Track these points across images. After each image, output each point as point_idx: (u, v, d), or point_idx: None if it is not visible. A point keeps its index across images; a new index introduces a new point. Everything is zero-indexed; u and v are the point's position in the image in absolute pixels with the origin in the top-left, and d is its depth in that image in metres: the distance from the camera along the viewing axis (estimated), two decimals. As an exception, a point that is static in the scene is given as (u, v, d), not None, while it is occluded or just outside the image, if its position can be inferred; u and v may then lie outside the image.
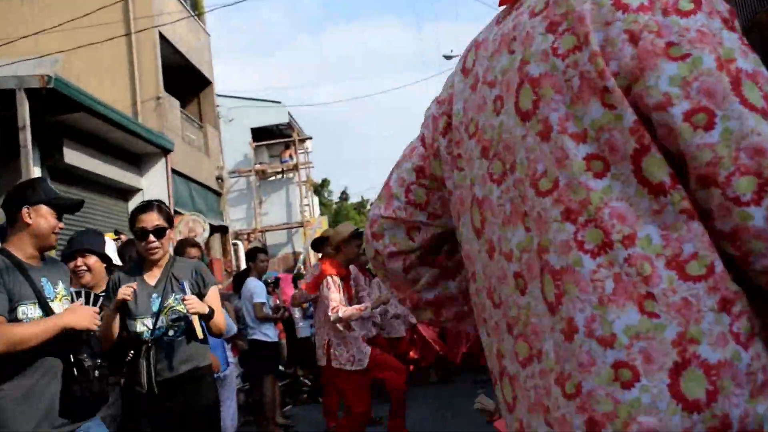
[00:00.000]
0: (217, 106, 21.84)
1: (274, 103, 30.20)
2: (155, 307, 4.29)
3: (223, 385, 7.25)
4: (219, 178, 20.13)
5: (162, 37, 16.70)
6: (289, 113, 30.13)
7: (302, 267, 22.44)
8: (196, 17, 19.69)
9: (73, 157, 12.62)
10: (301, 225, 28.53)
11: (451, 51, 23.93)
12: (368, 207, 45.27)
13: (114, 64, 15.93)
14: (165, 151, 15.54)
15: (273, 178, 29.80)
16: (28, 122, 10.78)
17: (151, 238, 4.40)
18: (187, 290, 4.28)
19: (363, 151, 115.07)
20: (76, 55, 14.45)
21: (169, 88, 17.30)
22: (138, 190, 15.19)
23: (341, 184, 66.98)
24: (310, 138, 32.34)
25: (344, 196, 44.47)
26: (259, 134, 29.21)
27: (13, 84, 10.78)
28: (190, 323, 4.22)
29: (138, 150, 14.93)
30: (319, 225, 28.74)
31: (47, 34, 13.86)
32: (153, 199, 4.70)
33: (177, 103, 17.85)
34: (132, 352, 4.30)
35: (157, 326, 4.26)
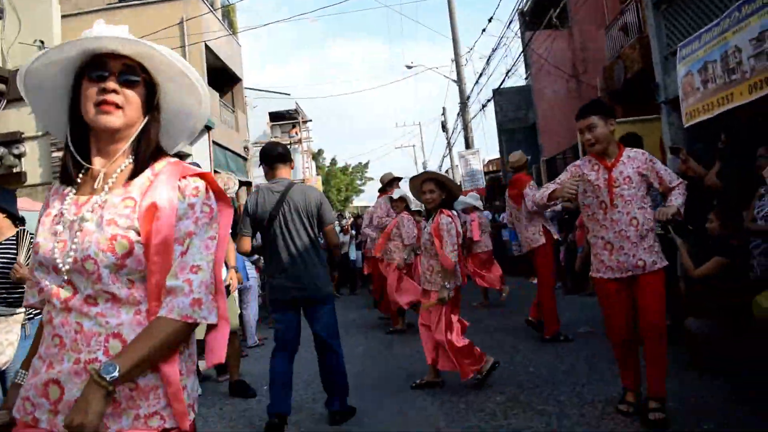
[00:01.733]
0: (245, 96, 21.80)
1: (285, 95, 30.10)
2: None
3: (247, 293, 7.61)
4: (245, 148, 20.21)
5: (207, 47, 16.68)
6: (296, 102, 30.04)
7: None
8: (231, 33, 19.59)
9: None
10: (302, 181, 28.69)
11: (411, 62, 23.96)
12: (350, 170, 45.30)
13: (173, 66, 15.82)
14: (208, 129, 15.59)
15: (283, 148, 29.87)
16: None
17: None
18: None
19: (346, 131, 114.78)
20: (147, 59, 14.40)
21: (211, 83, 17.20)
22: (188, 155, 15.26)
23: (332, 153, 66.95)
24: (311, 120, 32.29)
25: (333, 162, 44.27)
26: (274, 117, 29.19)
27: None
28: None
29: (189, 127, 14.90)
30: (315, 182, 28.98)
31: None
32: None
33: (217, 95, 17.79)
34: None
35: None
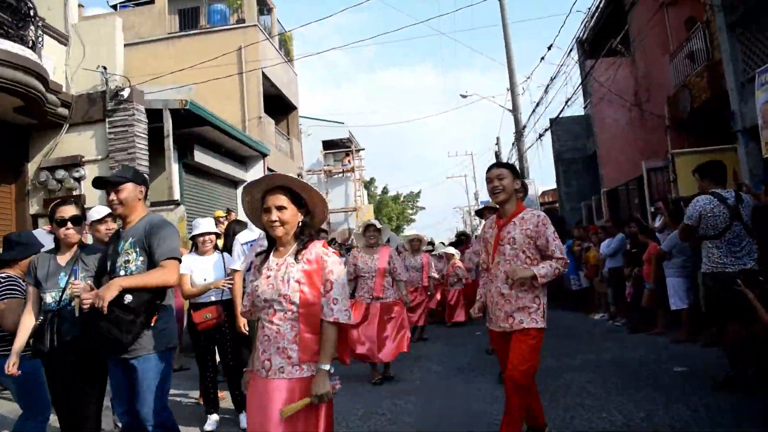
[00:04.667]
0: (300, 124, 21.95)
1: (339, 123, 30.27)
2: (62, 283, 3.71)
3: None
4: (299, 175, 20.05)
5: (264, 75, 16.86)
6: (349, 131, 30.20)
7: (354, 239, 22.53)
8: (287, 62, 19.78)
9: (200, 157, 12.76)
10: (354, 210, 28.70)
11: (466, 92, 23.73)
12: (401, 199, 45.16)
13: (230, 93, 16.06)
14: (263, 155, 15.65)
15: (336, 176, 29.94)
16: (170, 132, 10.97)
17: (69, 225, 3.80)
18: (78, 276, 3.67)
19: (399, 159, 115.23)
20: (205, 86, 14.62)
21: (267, 110, 17.39)
22: (244, 181, 15.31)
23: (384, 181, 66.89)
24: (363, 149, 32.38)
25: (385, 190, 44.14)
26: (328, 145, 29.36)
27: (160, 105, 10.99)
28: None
29: (245, 153, 15.05)
30: (367, 210, 28.92)
31: (185, 72, 14.03)
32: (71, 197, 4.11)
33: (272, 121, 17.91)
34: (41, 318, 3.70)
35: (62, 298, 3.67)
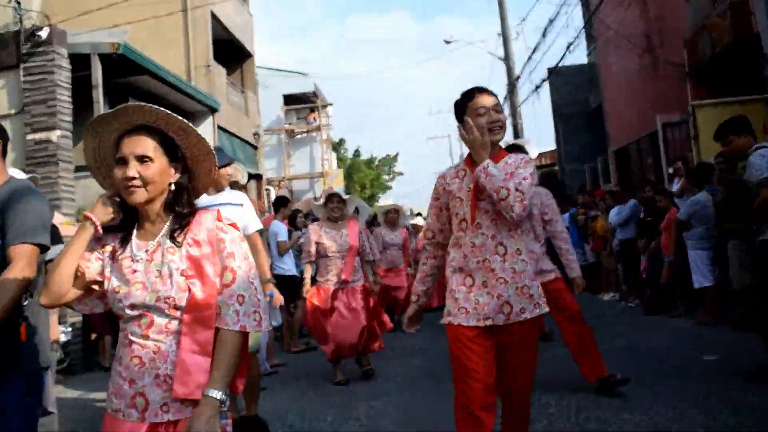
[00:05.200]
0: (256, 75, 21.46)
1: (302, 74, 29.71)
2: None
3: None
4: (256, 135, 19.83)
5: (213, 15, 16.45)
6: (314, 84, 29.65)
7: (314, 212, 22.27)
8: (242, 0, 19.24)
9: (137, 112, 12.32)
10: (321, 175, 28.33)
11: (451, 36, 23.32)
12: (376, 163, 44.81)
13: (173, 36, 15.62)
14: (212, 110, 15.31)
15: (300, 136, 29.47)
16: (100, 82, 10.72)
17: None
18: None
19: (373, 117, 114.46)
20: (142, 26, 14.11)
21: (217, 58, 17.03)
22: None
23: (355, 143, 66.05)
24: (331, 104, 31.87)
25: (357, 153, 43.65)
26: (290, 100, 28.83)
27: (88, 49, 10.68)
28: None
29: (190, 108, 14.66)
30: (336, 176, 28.60)
31: (118, 8, 13.47)
32: None
33: (223, 71, 17.53)
34: None
35: None
